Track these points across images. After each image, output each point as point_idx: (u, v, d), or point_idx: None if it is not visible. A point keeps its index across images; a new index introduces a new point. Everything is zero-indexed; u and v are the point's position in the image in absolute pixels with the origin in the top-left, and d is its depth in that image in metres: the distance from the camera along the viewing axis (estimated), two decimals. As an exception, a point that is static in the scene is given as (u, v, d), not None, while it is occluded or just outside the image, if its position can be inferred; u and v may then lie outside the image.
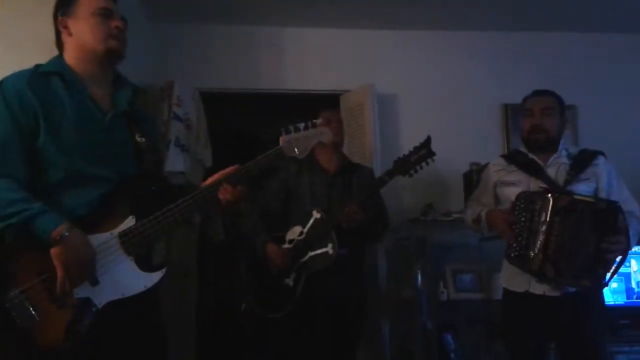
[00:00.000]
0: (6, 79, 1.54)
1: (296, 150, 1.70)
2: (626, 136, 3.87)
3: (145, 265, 1.55)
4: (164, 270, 1.56)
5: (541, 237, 2.17)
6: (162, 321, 1.72)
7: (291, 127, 1.70)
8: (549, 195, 2.19)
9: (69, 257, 1.40)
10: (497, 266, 2.57)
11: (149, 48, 3.71)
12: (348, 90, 3.89)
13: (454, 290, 3.45)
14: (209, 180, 1.64)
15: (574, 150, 2.46)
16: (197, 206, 1.59)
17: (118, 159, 1.59)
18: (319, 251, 2.53)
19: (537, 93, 2.47)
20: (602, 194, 2.31)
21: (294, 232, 2.60)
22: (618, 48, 4.09)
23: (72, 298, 1.43)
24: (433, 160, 2.49)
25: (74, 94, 1.56)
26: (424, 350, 3.33)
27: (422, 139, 2.62)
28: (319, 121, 1.73)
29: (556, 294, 2.23)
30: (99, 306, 1.46)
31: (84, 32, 1.58)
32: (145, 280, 1.53)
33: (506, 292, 2.40)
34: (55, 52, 1.65)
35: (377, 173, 2.92)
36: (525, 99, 2.50)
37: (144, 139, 1.63)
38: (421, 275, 3.38)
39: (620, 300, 3.34)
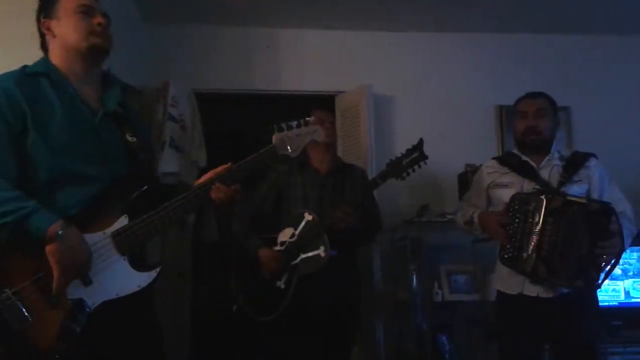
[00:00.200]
0: None
1: (289, 148, 1.69)
2: (620, 137, 3.88)
3: (139, 264, 1.54)
4: (157, 269, 1.55)
5: (535, 238, 2.18)
6: (158, 321, 1.71)
7: (284, 125, 1.69)
8: (543, 196, 2.20)
9: (65, 255, 1.40)
10: (491, 267, 2.57)
11: (144, 49, 3.71)
12: (344, 92, 3.90)
13: (449, 291, 3.45)
14: (202, 179, 1.63)
15: (566, 152, 2.48)
16: (190, 205, 1.58)
17: (109, 158, 1.58)
18: (310, 254, 2.52)
19: (531, 95, 2.49)
20: (595, 195, 2.32)
21: (286, 234, 2.58)
22: (612, 49, 4.11)
23: (64, 298, 1.42)
24: (425, 163, 2.48)
25: (62, 94, 1.56)
26: (418, 351, 3.33)
27: (417, 141, 2.62)
28: (311, 119, 1.73)
29: (550, 295, 2.24)
30: (93, 306, 1.45)
31: (66, 31, 1.59)
32: (139, 280, 1.52)
33: (500, 294, 2.41)
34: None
35: (372, 174, 2.92)
36: (518, 101, 2.51)
37: (135, 139, 1.63)
38: (416, 276, 3.39)
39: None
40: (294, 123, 1.70)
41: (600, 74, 4.06)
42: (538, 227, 2.18)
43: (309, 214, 2.55)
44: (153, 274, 1.54)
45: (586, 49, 4.09)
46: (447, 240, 3.53)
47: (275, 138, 1.68)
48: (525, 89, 2.56)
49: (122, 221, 1.52)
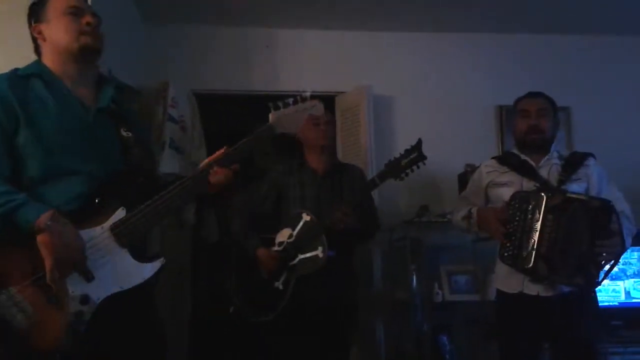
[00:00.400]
0: None
1: (288, 126, 1.66)
2: (619, 137, 3.88)
3: (141, 256, 1.53)
4: (161, 259, 1.54)
5: (535, 235, 2.18)
6: (160, 318, 1.70)
7: (280, 104, 1.66)
8: (543, 193, 2.21)
9: (56, 244, 1.38)
10: (492, 267, 2.57)
11: (144, 49, 3.71)
12: (343, 92, 3.90)
13: (449, 291, 3.45)
14: (201, 166, 1.63)
15: (565, 152, 2.48)
16: (188, 192, 1.57)
17: (104, 154, 1.58)
18: (308, 254, 2.50)
19: (532, 95, 2.49)
20: (593, 194, 2.33)
21: (284, 235, 2.57)
22: (610, 50, 4.11)
23: (65, 297, 1.41)
24: (424, 164, 2.47)
25: (55, 93, 1.56)
26: (418, 352, 3.33)
27: (416, 141, 2.62)
28: (308, 94, 1.69)
29: (550, 294, 2.23)
30: (97, 302, 1.44)
31: (56, 33, 1.60)
32: (144, 271, 1.51)
33: (500, 293, 2.41)
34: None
35: (372, 174, 2.91)
36: (518, 100, 2.51)
37: (130, 134, 1.62)
38: (416, 277, 3.38)
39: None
40: (290, 100, 1.68)
41: (599, 74, 4.06)
42: (538, 224, 2.18)
43: (307, 215, 2.54)
44: (157, 264, 1.53)
45: (585, 49, 4.10)
46: (447, 241, 3.52)
47: (272, 116, 1.65)
48: (524, 89, 2.56)
49: (120, 214, 1.52)
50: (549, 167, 2.38)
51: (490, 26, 3.98)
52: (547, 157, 2.42)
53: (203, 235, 3.82)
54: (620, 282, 3.38)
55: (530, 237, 2.19)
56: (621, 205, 2.32)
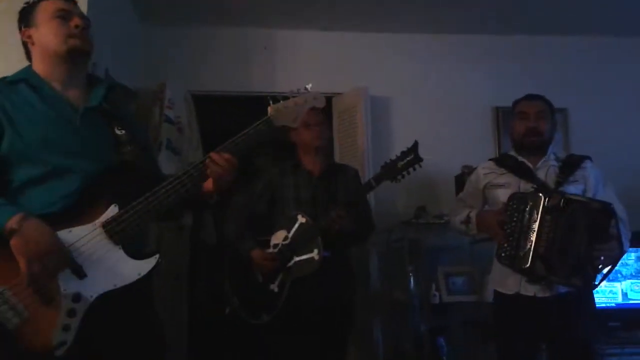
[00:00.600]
0: None
1: (287, 119, 1.61)
2: (618, 138, 3.89)
3: (136, 253, 1.51)
4: (157, 256, 1.51)
5: (533, 236, 2.18)
6: (159, 318, 1.69)
7: (280, 98, 1.61)
8: (541, 194, 2.21)
9: (29, 247, 1.37)
10: (489, 268, 2.56)
11: (142, 50, 3.70)
12: (341, 93, 3.89)
13: (447, 292, 3.45)
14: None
15: (562, 154, 2.49)
16: (183, 187, 1.54)
17: (95, 152, 1.57)
18: (304, 257, 2.50)
19: (530, 97, 2.49)
20: (589, 196, 2.33)
21: (279, 237, 2.56)
22: (609, 51, 4.12)
23: (58, 294, 1.41)
24: (420, 166, 2.46)
25: (43, 96, 1.57)
26: (416, 352, 3.33)
27: (412, 143, 2.62)
28: (309, 85, 1.65)
29: (547, 295, 2.24)
30: (91, 299, 1.43)
31: (45, 37, 1.60)
32: (138, 268, 1.49)
33: (497, 294, 2.41)
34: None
35: (370, 176, 2.91)
36: (517, 103, 2.51)
37: (123, 131, 1.61)
38: (414, 278, 3.38)
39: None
40: (291, 93, 1.64)
41: (598, 75, 4.07)
42: (536, 225, 2.18)
43: (302, 217, 2.54)
44: (152, 260, 1.51)
45: (583, 50, 4.11)
46: (444, 242, 3.52)
47: (270, 109, 1.60)
48: (522, 91, 2.57)
49: (112, 210, 1.50)
50: (546, 169, 2.39)
51: (489, 27, 3.99)
52: (544, 159, 2.42)
53: (201, 237, 3.82)
54: (617, 284, 3.38)
55: (528, 237, 2.19)
56: (616, 209, 2.32)
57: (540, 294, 2.24)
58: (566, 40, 4.09)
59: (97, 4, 2.57)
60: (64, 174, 1.52)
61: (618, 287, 3.39)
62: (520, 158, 2.45)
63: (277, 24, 3.89)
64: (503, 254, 2.26)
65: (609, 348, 3.14)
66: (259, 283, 2.55)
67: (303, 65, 3.91)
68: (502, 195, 2.36)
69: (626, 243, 2.26)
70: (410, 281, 3.38)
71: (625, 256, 3.29)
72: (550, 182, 2.34)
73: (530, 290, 2.26)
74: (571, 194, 2.23)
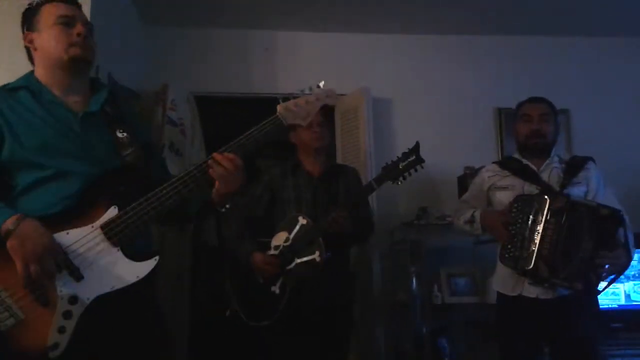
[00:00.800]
0: None
1: (298, 117, 1.55)
2: (619, 139, 3.89)
3: (137, 255, 1.49)
4: (156, 258, 1.49)
5: (537, 237, 2.18)
6: (161, 320, 1.68)
7: (291, 98, 1.56)
8: (546, 196, 2.21)
9: (26, 248, 1.37)
10: (491, 270, 2.57)
11: (144, 52, 3.71)
12: (343, 94, 3.89)
13: (449, 293, 3.45)
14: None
15: (565, 155, 2.50)
16: (185, 188, 1.52)
17: (95, 155, 1.56)
18: (305, 258, 2.48)
19: (533, 99, 2.50)
20: (590, 197, 2.33)
21: (280, 238, 2.55)
22: (610, 51, 4.11)
23: (55, 295, 1.40)
24: (422, 167, 2.47)
25: (43, 102, 1.57)
26: (417, 354, 3.32)
27: (413, 144, 2.61)
28: (322, 83, 1.59)
29: (549, 297, 2.24)
30: (87, 302, 1.42)
31: (47, 43, 1.60)
32: (137, 270, 1.47)
33: (499, 295, 2.41)
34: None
35: (371, 177, 2.91)
36: (520, 105, 2.52)
37: (125, 134, 1.61)
38: (416, 279, 3.38)
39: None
40: (303, 90, 1.59)
41: (599, 76, 4.07)
42: (540, 227, 2.18)
43: (303, 218, 2.52)
44: (152, 262, 1.49)
45: (585, 51, 4.10)
46: (446, 243, 3.52)
47: (280, 107, 1.55)
48: (524, 92, 2.57)
49: (111, 212, 1.49)
50: (550, 171, 2.40)
51: (490, 28, 3.99)
52: (547, 161, 2.43)
53: (203, 238, 3.82)
54: (620, 285, 3.38)
55: (532, 239, 2.20)
56: None
57: (542, 296, 2.24)
58: (568, 41, 4.09)
59: (100, 6, 2.57)
60: (65, 177, 1.52)
61: (621, 288, 3.39)
62: (524, 161, 2.45)
63: (278, 25, 3.89)
64: (506, 255, 2.26)
65: (611, 350, 3.14)
66: (259, 285, 2.54)
67: (304, 66, 3.91)
68: (506, 197, 2.36)
69: (632, 249, 2.24)
70: (412, 282, 3.38)
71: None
72: (554, 184, 2.34)
73: (532, 292, 2.26)
74: (579, 198, 2.23)
